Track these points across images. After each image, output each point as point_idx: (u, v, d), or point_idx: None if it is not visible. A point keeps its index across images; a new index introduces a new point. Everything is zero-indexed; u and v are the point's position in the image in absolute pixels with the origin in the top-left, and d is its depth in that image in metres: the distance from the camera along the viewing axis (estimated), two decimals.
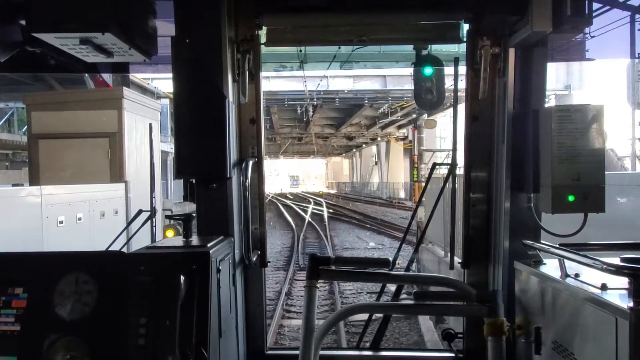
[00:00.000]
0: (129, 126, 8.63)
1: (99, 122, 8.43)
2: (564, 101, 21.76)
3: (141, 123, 9.17)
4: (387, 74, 23.73)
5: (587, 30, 2.71)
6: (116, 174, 8.34)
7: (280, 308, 9.80)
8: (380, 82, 24.60)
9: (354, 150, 63.21)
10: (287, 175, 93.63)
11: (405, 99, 26.74)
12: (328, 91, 24.81)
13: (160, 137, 24.91)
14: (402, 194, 43.03)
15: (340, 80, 24.23)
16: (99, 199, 7.37)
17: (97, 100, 8.90)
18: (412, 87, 2.77)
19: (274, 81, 23.51)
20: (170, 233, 6.36)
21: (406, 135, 41.56)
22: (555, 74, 21.67)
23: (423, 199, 6.51)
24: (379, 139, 45.83)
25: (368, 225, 24.20)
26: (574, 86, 22.73)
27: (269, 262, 2.54)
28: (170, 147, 25.14)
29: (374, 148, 54.46)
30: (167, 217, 2.30)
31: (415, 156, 26.58)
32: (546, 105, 2.23)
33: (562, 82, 22.59)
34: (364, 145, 55.18)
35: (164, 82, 21.08)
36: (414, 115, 27.62)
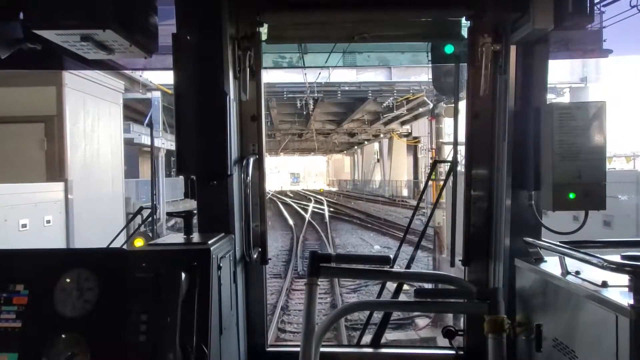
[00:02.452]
0: (73, 108, 6.84)
1: (32, 102, 6.64)
2: (580, 95, 21.03)
3: (93, 104, 7.38)
4: (392, 65, 23.52)
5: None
6: (55, 169, 6.61)
7: (275, 325, 9.15)
8: (385, 74, 24.03)
9: (356, 147, 63.10)
10: (287, 172, 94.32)
11: (411, 92, 26.03)
12: (330, 83, 24.19)
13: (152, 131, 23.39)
14: (404, 192, 42.98)
15: (343, 72, 23.56)
16: (19, 204, 5.59)
17: (28, 76, 6.67)
18: (419, 80, 2.88)
19: (272, 73, 23.25)
20: (139, 242, 5.22)
21: (410, 131, 40.90)
22: (570, 66, 20.94)
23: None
24: (381, 135, 45.47)
25: (371, 226, 23.97)
26: (591, 78, 22.01)
27: (270, 259, 2.63)
28: (161, 142, 24.34)
29: (375, 145, 54.40)
30: (167, 214, 2.39)
31: (434, 150, 25.91)
32: (551, 101, 2.32)
33: (578, 74, 21.90)
34: (365, 142, 54.85)
35: (154, 73, 20.89)
36: (431, 105, 26.87)
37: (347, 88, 25.54)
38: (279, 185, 77.56)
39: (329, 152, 76.34)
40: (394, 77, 23.92)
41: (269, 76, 22.78)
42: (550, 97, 21.22)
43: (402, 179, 45.70)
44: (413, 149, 42.84)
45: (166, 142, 25.40)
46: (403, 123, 38.48)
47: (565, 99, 21.50)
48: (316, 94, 26.58)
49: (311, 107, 30.26)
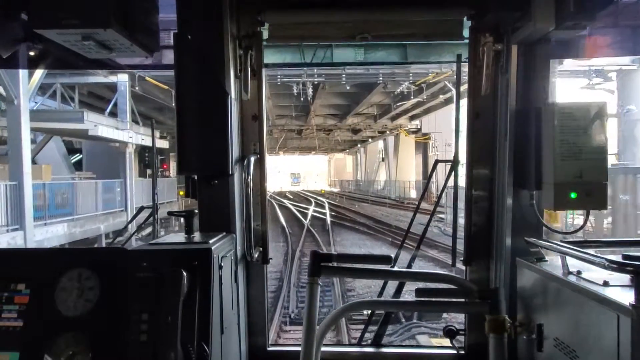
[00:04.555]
0: None
1: None
2: (630, 78, 20.14)
3: None
4: (407, 42, 21.75)
5: None
6: None
7: None
8: (399, 54, 22.86)
9: (359, 145, 62.65)
10: (288, 172, 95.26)
11: (430, 73, 23.60)
12: (332, 64, 21.26)
13: (117, 122, 21.26)
14: (412, 194, 42.65)
15: (347, 54, 22.03)
16: None
17: None
18: (440, 59, 3.01)
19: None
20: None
21: (419, 127, 40.06)
22: (620, 45, 20.35)
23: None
24: (387, 132, 44.83)
25: (381, 235, 22.11)
26: None
27: (271, 258, 2.76)
28: (128, 136, 22.03)
29: (380, 143, 54.21)
30: (168, 213, 2.55)
31: None
32: (550, 101, 2.48)
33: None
34: (370, 140, 54.42)
35: None
36: (454, 91, 23.95)
37: (353, 71, 23.18)
38: (278, 185, 77.78)
39: (330, 151, 76.36)
40: (410, 57, 22.53)
41: None
42: (597, 82, 20.48)
43: (410, 180, 45.35)
44: (422, 147, 42.45)
45: (135, 136, 22.73)
46: (412, 118, 37.17)
47: (612, 85, 20.85)
48: (316, 77, 23.93)
49: (310, 92, 27.76)
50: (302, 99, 28.93)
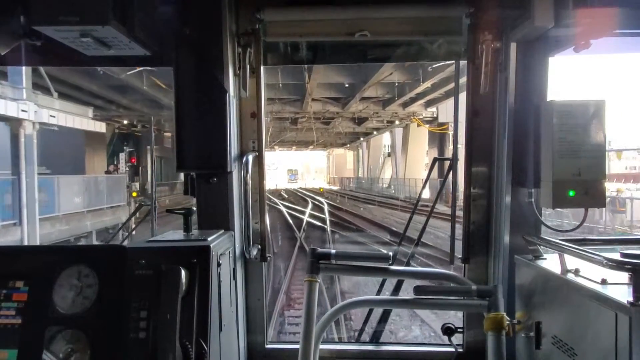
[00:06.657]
0: None
1: None
2: None
3: None
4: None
5: None
6: None
7: None
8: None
9: (361, 139, 61.26)
10: (285, 169, 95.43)
11: None
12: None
13: (2, 88, 15.72)
14: (425, 194, 41.28)
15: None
16: None
17: None
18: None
19: None
20: None
21: (435, 115, 37.57)
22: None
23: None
24: (397, 121, 42.28)
25: (403, 258, 14.92)
26: None
27: (269, 256, 2.95)
28: (21, 108, 16.52)
29: (385, 137, 53.39)
30: (167, 210, 2.68)
31: None
32: (549, 99, 2.60)
33: None
34: (374, 132, 52.66)
35: None
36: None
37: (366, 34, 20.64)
38: (273, 183, 77.54)
39: (329, 146, 75.77)
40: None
41: None
42: None
43: (422, 177, 43.85)
44: (438, 139, 40.23)
45: (39, 111, 17.34)
46: (428, 104, 34.91)
47: None
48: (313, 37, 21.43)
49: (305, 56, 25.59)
50: (294, 58, 26.33)
